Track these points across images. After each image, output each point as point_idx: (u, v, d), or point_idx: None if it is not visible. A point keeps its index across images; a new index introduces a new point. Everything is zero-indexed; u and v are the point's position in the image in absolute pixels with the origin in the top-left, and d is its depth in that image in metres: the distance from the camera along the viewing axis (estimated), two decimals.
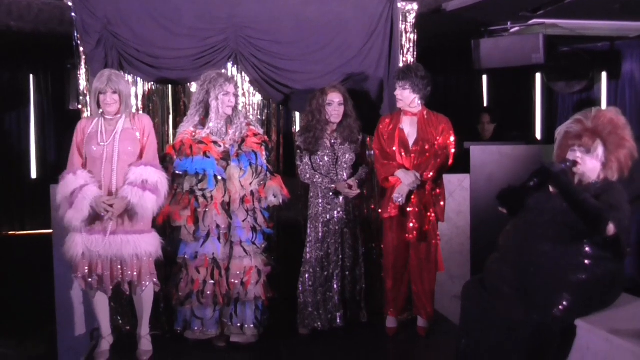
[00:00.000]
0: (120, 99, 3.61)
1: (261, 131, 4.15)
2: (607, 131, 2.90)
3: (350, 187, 4.04)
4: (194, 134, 3.90)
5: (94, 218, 3.53)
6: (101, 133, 3.60)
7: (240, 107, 4.16)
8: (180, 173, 3.83)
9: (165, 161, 3.86)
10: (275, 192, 3.94)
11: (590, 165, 2.92)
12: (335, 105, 4.08)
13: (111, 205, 3.48)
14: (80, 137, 3.65)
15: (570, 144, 2.96)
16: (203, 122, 3.96)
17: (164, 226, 3.88)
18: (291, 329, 4.16)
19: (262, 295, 3.97)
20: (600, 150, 2.90)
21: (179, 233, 3.90)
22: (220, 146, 3.90)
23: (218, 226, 3.85)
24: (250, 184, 3.87)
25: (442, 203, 4.00)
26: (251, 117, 4.42)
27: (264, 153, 3.96)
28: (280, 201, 3.96)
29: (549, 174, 2.81)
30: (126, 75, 4.25)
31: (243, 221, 3.89)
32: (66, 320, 4.28)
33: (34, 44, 5.99)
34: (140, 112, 4.26)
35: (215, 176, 3.82)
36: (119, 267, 3.60)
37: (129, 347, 3.86)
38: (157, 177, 3.60)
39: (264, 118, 4.58)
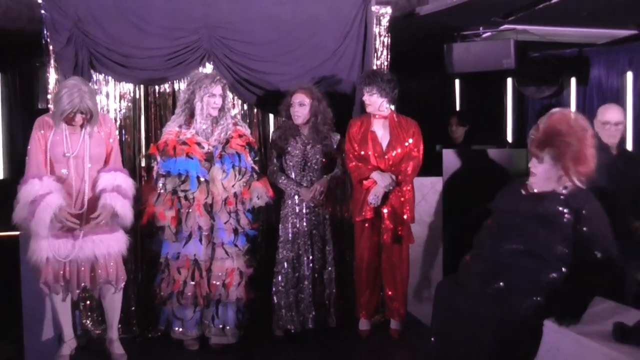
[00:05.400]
0: (87, 117, 3.45)
1: (248, 131, 4.12)
2: (554, 139, 2.89)
3: (314, 195, 4.02)
4: (179, 134, 3.86)
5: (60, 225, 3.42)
6: (66, 137, 3.49)
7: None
8: (164, 173, 3.80)
9: (149, 160, 3.81)
10: (260, 193, 3.93)
11: (543, 174, 2.94)
12: (296, 106, 4.07)
13: (97, 217, 3.42)
14: (43, 139, 3.49)
15: (532, 152, 2.98)
16: (189, 122, 3.92)
17: (149, 226, 3.86)
18: (267, 330, 4.15)
19: (244, 296, 3.97)
20: (548, 158, 2.91)
21: (163, 233, 3.88)
22: (203, 147, 3.86)
23: (200, 227, 3.84)
24: (233, 185, 3.85)
25: (413, 204, 4.02)
26: (239, 116, 4.36)
27: (248, 154, 3.92)
28: (265, 202, 3.95)
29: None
30: (96, 74, 4.19)
31: (225, 223, 3.87)
32: (33, 324, 4.18)
33: (2, 42, 5.85)
34: (111, 113, 4.20)
35: (198, 177, 3.79)
36: (89, 269, 3.53)
37: (101, 351, 3.85)
38: (128, 183, 3.58)
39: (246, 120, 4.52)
